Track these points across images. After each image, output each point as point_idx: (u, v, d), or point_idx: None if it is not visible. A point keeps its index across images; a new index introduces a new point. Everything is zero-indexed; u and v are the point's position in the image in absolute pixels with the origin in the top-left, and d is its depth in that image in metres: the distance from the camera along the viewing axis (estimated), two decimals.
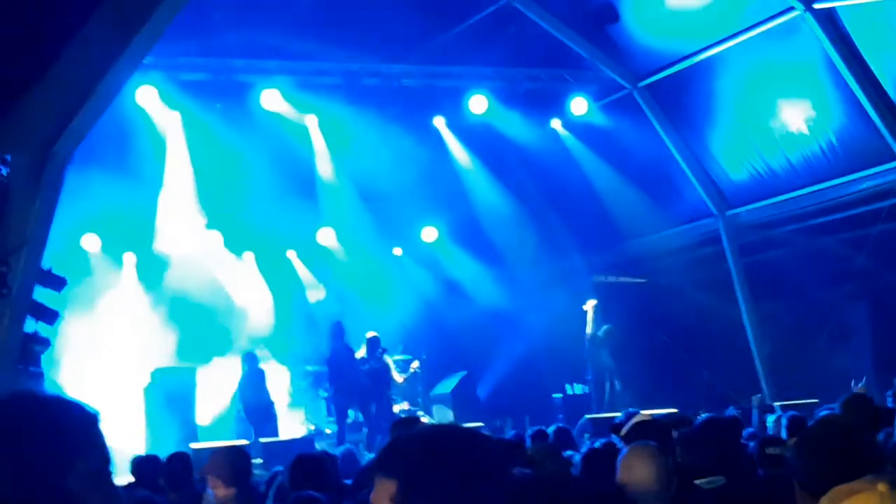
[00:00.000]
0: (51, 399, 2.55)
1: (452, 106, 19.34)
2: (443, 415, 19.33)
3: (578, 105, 19.61)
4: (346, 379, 17.53)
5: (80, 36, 7.92)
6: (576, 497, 1.72)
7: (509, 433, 14.78)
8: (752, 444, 7.92)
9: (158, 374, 18.06)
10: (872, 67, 15.69)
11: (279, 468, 9.30)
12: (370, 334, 18.19)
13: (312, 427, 19.07)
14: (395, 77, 18.56)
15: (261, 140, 18.38)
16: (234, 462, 6.57)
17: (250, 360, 17.92)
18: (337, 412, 17.78)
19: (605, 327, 19.91)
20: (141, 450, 13.92)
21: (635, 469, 5.00)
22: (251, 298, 20.45)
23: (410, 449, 2.42)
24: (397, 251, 21.93)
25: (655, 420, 7.66)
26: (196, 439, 16.59)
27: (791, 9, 15.72)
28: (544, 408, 19.64)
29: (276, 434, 17.26)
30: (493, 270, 21.53)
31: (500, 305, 21.29)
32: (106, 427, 2.55)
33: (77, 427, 2.50)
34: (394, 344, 19.65)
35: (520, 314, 21.20)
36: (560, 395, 20.46)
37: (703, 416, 8.21)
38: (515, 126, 19.96)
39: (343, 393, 17.59)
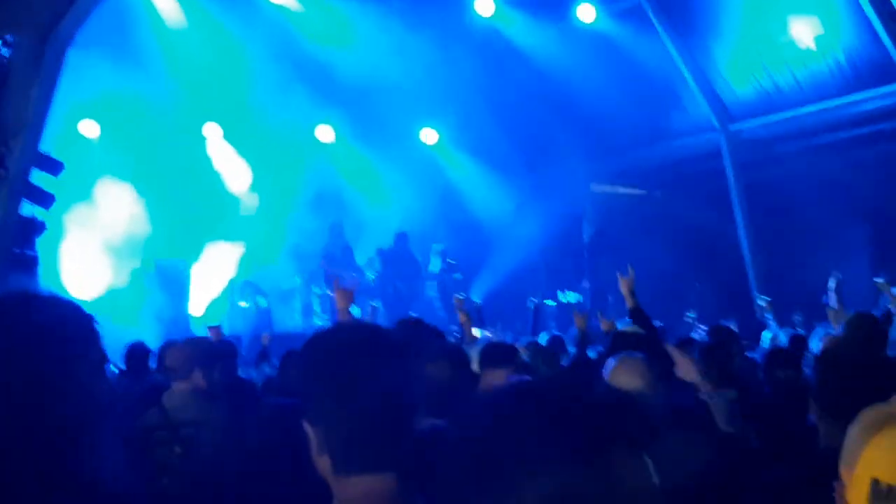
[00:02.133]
0: (52, 298, 2.65)
1: (459, 6, 19.10)
2: None
3: (586, 11, 19.39)
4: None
5: None
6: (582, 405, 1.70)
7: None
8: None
9: (153, 264, 18.15)
10: None
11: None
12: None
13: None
14: None
15: (264, 33, 18.21)
16: (189, 354, 6.51)
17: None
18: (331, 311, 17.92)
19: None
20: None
21: (621, 380, 4.99)
22: (248, 189, 20.43)
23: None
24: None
25: (639, 332, 7.65)
26: (189, 331, 16.69)
27: None
28: (538, 313, 19.71)
29: None
30: (491, 175, 21.45)
31: (497, 210, 21.26)
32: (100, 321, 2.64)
33: (81, 322, 2.60)
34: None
35: (516, 219, 21.19)
36: (553, 303, 20.54)
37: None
38: (521, 30, 19.76)
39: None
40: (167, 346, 7.30)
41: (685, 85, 19.30)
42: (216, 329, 9.85)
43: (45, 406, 2.41)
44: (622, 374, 4.97)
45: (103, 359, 2.63)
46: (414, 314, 17.91)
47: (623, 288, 8.25)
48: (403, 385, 2.47)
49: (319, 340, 2.58)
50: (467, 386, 5.07)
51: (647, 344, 6.57)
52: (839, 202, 17.57)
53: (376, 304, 14.26)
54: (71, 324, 2.55)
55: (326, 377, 2.46)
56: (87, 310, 2.65)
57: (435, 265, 19.82)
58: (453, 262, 18.82)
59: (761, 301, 11.24)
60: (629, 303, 8.19)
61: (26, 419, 2.38)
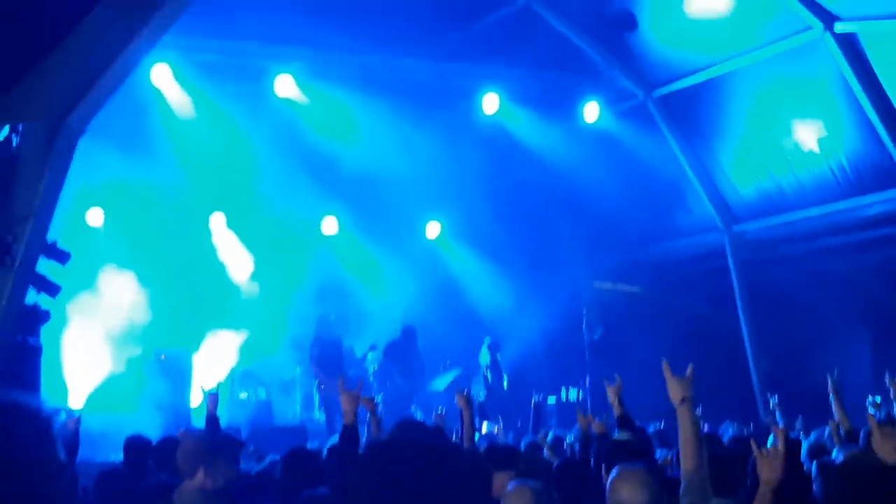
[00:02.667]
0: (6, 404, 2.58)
1: (465, 103, 19.28)
2: None
3: (591, 110, 19.59)
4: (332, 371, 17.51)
5: (100, 8, 7.87)
6: None
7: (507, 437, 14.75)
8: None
9: (154, 353, 18.10)
10: (888, 92, 15.66)
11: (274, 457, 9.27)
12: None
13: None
14: (409, 71, 18.53)
15: (271, 124, 18.39)
16: (198, 448, 6.37)
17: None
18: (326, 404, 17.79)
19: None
20: (132, 428, 13.87)
21: (623, 493, 4.95)
22: (250, 278, 20.41)
23: None
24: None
25: (633, 442, 7.61)
26: (189, 421, 16.60)
27: (810, 28, 15.69)
28: (538, 412, 19.56)
29: None
30: (494, 269, 21.48)
31: (499, 305, 21.24)
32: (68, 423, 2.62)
33: (35, 429, 2.54)
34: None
35: (517, 314, 21.16)
36: (553, 400, 20.40)
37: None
38: (526, 127, 19.94)
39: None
40: (169, 443, 7.07)
41: (689, 184, 19.42)
42: (214, 396, 9.72)
43: None
44: (625, 488, 4.93)
45: (61, 466, 2.58)
46: (417, 411, 17.82)
47: (610, 395, 8.23)
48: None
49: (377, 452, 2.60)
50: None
51: (641, 454, 6.53)
52: (841, 305, 17.56)
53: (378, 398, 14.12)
54: (22, 432, 2.50)
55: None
56: (48, 414, 2.59)
57: (484, 357, 19.70)
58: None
59: (771, 401, 11.17)
60: (616, 410, 8.16)
61: None
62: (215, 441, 6.80)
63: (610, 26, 17.88)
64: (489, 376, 19.62)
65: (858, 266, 17.55)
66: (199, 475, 6.19)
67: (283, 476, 7.10)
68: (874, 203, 17.02)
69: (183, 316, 19.14)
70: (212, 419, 9.02)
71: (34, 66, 7.94)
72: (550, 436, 11.11)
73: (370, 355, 18.95)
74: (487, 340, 19.92)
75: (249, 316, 19.63)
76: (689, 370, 5.63)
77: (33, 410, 2.59)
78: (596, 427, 9.24)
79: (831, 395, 10.06)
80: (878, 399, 10.61)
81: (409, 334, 18.77)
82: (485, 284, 21.49)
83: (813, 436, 9.92)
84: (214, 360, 18.67)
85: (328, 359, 17.64)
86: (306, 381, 19.64)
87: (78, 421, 9.47)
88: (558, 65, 19.19)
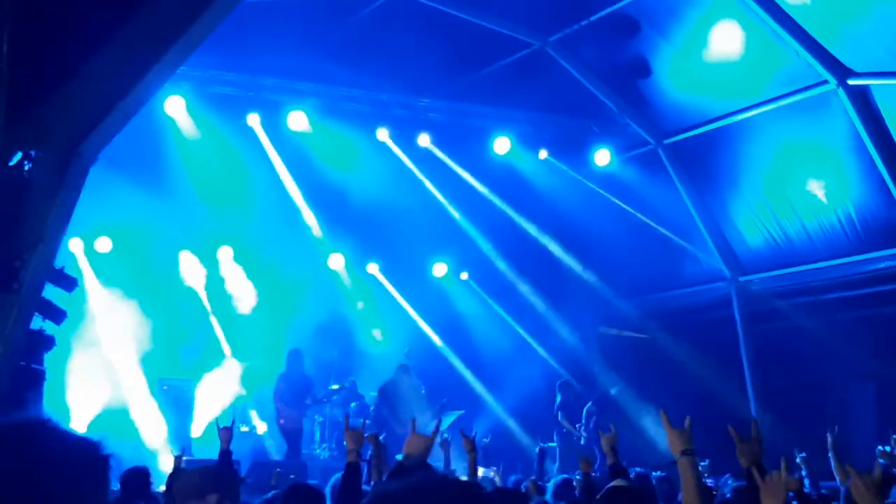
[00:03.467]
0: (65, 432, 2.48)
1: (477, 144, 19.34)
2: None
3: (602, 156, 19.64)
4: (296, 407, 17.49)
5: (117, 38, 7.91)
6: None
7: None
8: None
9: (159, 383, 18.15)
10: None
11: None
12: None
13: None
14: (422, 110, 18.61)
15: (282, 159, 18.48)
16: (201, 483, 6.29)
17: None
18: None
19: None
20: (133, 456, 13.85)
21: None
22: (254, 311, 20.41)
23: None
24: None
25: (632, 487, 7.61)
26: (190, 453, 16.57)
27: (824, 82, 15.73)
28: (539, 455, 19.46)
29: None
30: (498, 310, 21.47)
31: (503, 347, 21.21)
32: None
33: (91, 462, 2.46)
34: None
35: (522, 358, 21.12)
36: (555, 444, 20.32)
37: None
38: (536, 170, 19.99)
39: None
40: (176, 474, 6.93)
41: (698, 233, 19.41)
42: (227, 430, 9.68)
43: None
44: None
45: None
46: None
47: (604, 444, 8.21)
48: None
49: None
50: None
51: (641, 499, 6.52)
52: (846, 359, 17.47)
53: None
54: (81, 463, 2.41)
55: None
56: (101, 448, 2.48)
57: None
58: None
59: (798, 457, 11.11)
60: (610, 459, 8.14)
61: None
62: (219, 474, 6.75)
63: (623, 73, 17.96)
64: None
65: (864, 320, 17.48)
66: None
67: None
68: (882, 258, 17.00)
69: (186, 346, 19.17)
70: (224, 454, 8.98)
71: (49, 95, 7.97)
72: (559, 479, 11.04)
73: (336, 397, 18.72)
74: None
75: (252, 348, 19.60)
76: (686, 422, 5.62)
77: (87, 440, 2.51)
78: (583, 466, 9.22)
79: (830, 452, 10.07)
80: (889, 448, 10.55)
81: (402, 373, 18.50)
82: (490, 325, 21.47)
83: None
84: (216, 392, 18.62)
85: (294, 395, 17.44)
86: (307, 417, 19.61)
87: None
88: (571, 109, 19.27)
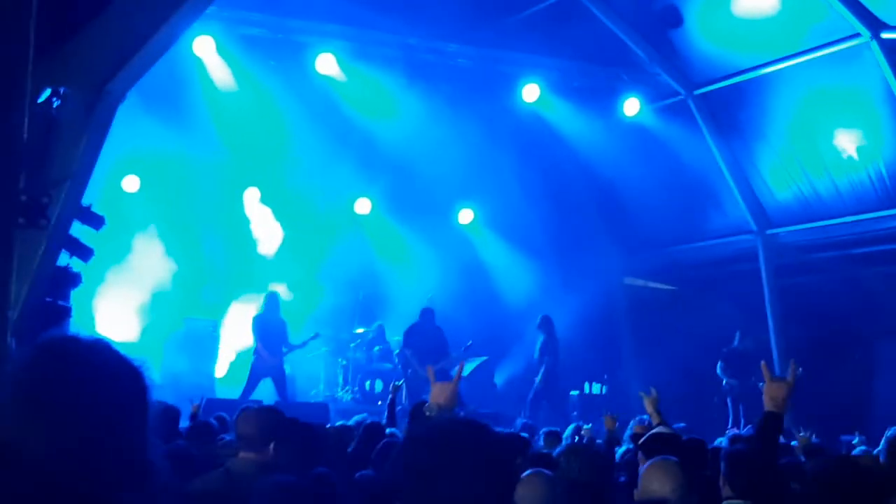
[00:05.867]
0: (104, 345, 2.54)
1: (505, 91, 19.25)
2: None
3: (631, 105, 19.51)
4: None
5: None
6: None
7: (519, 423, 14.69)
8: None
9: (182, 323, 18.29)
10: None
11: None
12: None
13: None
14: (451, 56, 18.51)
15: (310, 102, 18.42)
16: (260, 424, 6.25)
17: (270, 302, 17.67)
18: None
19: None
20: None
21: (654, 484, 5.04)
22: (280, 251, 20.48)
23: None
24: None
25: (674, 434, 7.66)
26: (213, 393, 16.76)
27: (857, 35, 15.55)
28: (561, 403, 19.56)
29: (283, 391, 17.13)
30: (526, 260, 21.47)
31: (528, 295, 21.23)
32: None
33: (132, 374, 2.53)
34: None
35: (547, 306, 21.14)
36: (576, 393, 20.42)
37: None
38: (565, 119, 19.89)
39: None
40: (242, 412, 6.82)
41: (725, 185, 19.31)
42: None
43: (91, 464, 2.33)
44: (655, 478, 5.00)
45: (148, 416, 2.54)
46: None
47: (648, 406, 8.25)
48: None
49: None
50: None
51: (679, 447, 6.56)
52: (872, 315, 17.42)
53: (400, 383, 13.81)
54: (124, 375, 2.48)
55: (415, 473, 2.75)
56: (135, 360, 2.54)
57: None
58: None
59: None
60: (654, 419, 8.18)
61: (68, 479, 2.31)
62: (286, 419, 6.73)
63: (655, 22, 17.80)
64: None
65: (890, 277, 17.40)
66: (269, 450, 6.10)
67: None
68: None
69: (212, 285, 19.32)
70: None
71: (78, 32, 7.97)
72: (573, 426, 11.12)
73: (312, 343, 18.45)
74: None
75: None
76: (791, 372, 5.72)
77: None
78: (607, 423, 9.27)
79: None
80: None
81: (426, 316, 18.41)
82: (515, 274, 21.48)
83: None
84: (239, 332, 18.72)
85: (273, 340, 17.10)
86: (331, 360, 19.73)
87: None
88: (601, 58, 19.12)
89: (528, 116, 19.77)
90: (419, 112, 18.92)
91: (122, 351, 2.51)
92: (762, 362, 6.21)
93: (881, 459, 7.38)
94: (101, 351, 2.48)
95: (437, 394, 5.29)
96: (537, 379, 18.53)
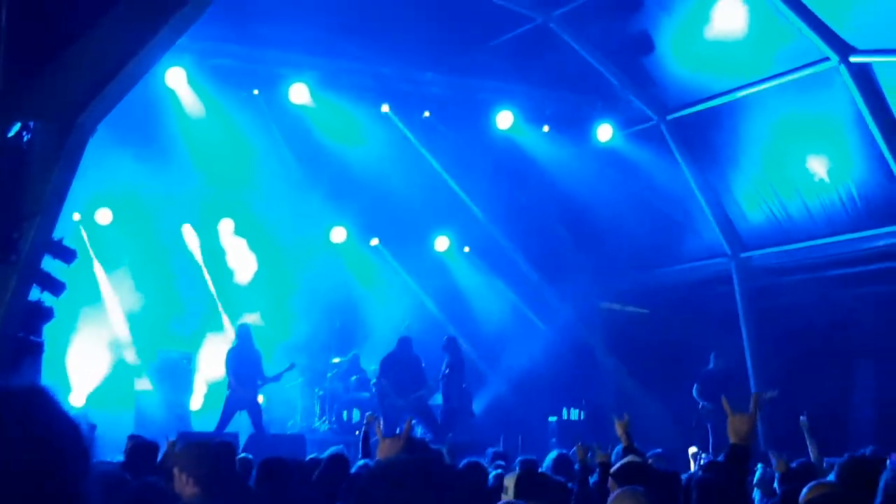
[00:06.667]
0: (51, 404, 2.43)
1: (479, 118, 19.30)
2: None
3: (604, 131, 19.59)
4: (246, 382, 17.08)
5: (117, 8, 7.87)
6: None
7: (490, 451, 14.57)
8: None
9: (156, 356, 18.18)
10: None
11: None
12: None
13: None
14: (425, 84, 18.57)
15: (284, 132, 18.42)
16: (202, 460, 6.19)
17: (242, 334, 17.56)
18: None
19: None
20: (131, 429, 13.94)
21: None
22: (254, 283, 20.41)
23: None
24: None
25: (645, 463, 7.66)
26: (189, 426, 16.65)
27: (826, 59, 15.68)
28: (539, 430, 19.53)
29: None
30: (502, 286, 21.48)
31: (505, 322, 21.24)
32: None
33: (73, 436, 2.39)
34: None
35: (524, 332, 21.15)
36: (555, 419, 20.38)
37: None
38: (539, 145, 19.95)
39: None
40: (174, 444, 6.79)
41: (699, 209, 19.39)
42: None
43: None
44: None
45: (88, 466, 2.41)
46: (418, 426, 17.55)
47: (618, 429, 8.25)
48: None
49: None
50: None
51: (651, 477, 6.54)
52: (846, 337, 17.49)
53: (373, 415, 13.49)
54: (66, 435, 2.34)
55: None
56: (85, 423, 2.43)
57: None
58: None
59: (802, 421, 11.07)
60: (624, 442, 8.19)
61: None
62: (218, 445, 6.72)
63: (627, 48, 17.90)
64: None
65: (864, 297, 17.49)
66: (197, 477, 6.09)
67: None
68: (882, 235, 16.98)
69: (186, 317, 19.23)
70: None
71: (48, 65, 7.94)
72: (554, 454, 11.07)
73: (288, 374, 18.26)
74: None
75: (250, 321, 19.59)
76: (752, 404, 5.77)
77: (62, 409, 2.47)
78: (579, 452, 9.25)
79: (806, 433, 10.20)
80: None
81: (404, 345, 18.29)
82: (491, 301, 21.48)
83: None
84: (215, 364, 18.62)
85: (247, 372, 16.95)
86: (307, 389, 19.65)
87: (94, 429, 9.58)
88: (573, 84, 19.21)
89: (503, 143, 19.81)
90: (393, 140, 18.95)
91: (61, 404, 2.40)
92: (722, 398, 6.24)
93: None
94: (36, 406, 2.36)
95: (385, 450, 5.28)
96: (440, 400, 18.42)
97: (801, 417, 10.68)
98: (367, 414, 12.04)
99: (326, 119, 18.51)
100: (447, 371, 18.35)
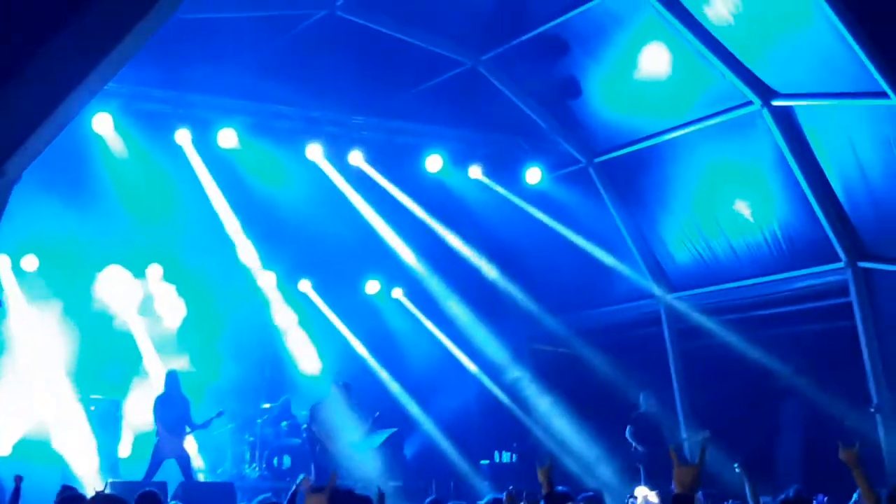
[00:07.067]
0: None
1: (410, 161, 19.34)
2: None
3: (533, 174, 19.74)
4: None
5: (42, 55, 7.80)
6: None
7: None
8: None
9: (84, 403, 17.91)
10: (823, 168, 15.92)
11: None
12: None
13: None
14: (355, 128, 18.60)
15: (214, 176, 18.32)
16: None
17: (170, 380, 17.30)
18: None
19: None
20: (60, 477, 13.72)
21: None
22: (183, 328, 20.19)
23: None
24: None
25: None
26: (118, 474, 16.40)
27: (749, 103, 15.96)
28: (472, 474, 19.48)
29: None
30: (433, 328, 21.47)
31: (436, 364, 21.20)
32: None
33: None
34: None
35: (455, 374, 21.14)
36: (487, 462, 20.34)
37: None
38: (469, 188, 20.03)
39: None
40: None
41: (627, 251, 19.56)
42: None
43: None
44: None
45: None
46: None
47: (540, 476, 8.23)
48: None
49: None
50: None
51: None
52: (773, 376, 17.67)
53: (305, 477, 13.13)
54: None
55: None
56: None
57: None
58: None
59: (736, 468, 11.17)
60: (545, 488, 8.17)
61: None
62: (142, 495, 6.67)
63: (554, 92, 18.08)
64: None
65: (789, 338, 17.72)
66: None
67: None
68: (806, 276, 17.25)
69: (113, 365, 18.97)
70: None
71: None
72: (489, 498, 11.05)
73: (217, 420, 18.04)
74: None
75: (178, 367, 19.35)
76: (700, 455, 5.82)
77: None
78: (506, 500, 9.22)
79: (744, 477, 10.31)
80: None
81: (344, 391, 18.12)
82: (422, 343, 21.44)
83: None
84: (143, 410, 18.37)
85: (174, 420, 16.71)
86: (237, 435, 19.42)
87: (21, 480, 9.46)
88: (503, 127, 19.38)
89: (433, 186, 19.85)
90: (324, 183, 18.92)
91: None
92: (670, 448, 6.29)
93: None
94: None
95: None
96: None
97: (735, 464, 10.77)
98: (303, 477, 11.82)
99: (256, 163, 18.43)
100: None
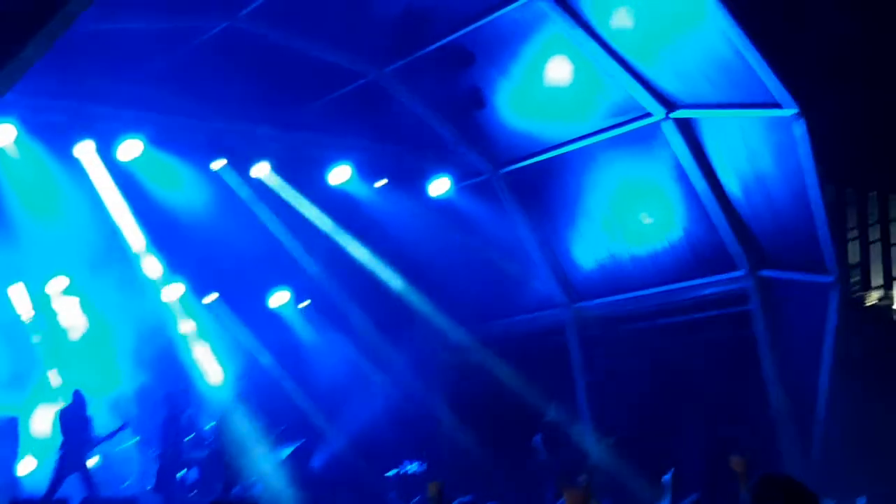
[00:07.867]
0: None
1: (315, 172, 19.26)
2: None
3: (439, 185, 19.78)
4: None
5: None
6: None
7: None
8: None
9: None
10: (722, 178, 16.21)
11: None
12: None
13: None
14: (260, 139, 18.47)
15: (118, 187, 18.07)
16: None
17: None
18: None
19: None
20: None
21: None
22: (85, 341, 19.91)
23: None
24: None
25: None
26: (18, 490, 16.11)
27: (650, 114, 16.19)
28: (378, 484, 19.45)
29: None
30: (340, 340, 21.41)
31: (344, 376, 21.15)
32: None
33: None
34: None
35: (363, 385, 21.10)
36: (394, 472, 20.32)
37: None
38: (375, 200, 20.02)
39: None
40: None
41: (533, 261, 19.69)
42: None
43: None
44: None
45: None
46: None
47: (431, 489, 8.23)
48: None
49: None
50: None
51: None
52: (676, 383, 17.91)
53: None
54: None
55: None
56: None
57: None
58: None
59: (666, 479, 11.26)
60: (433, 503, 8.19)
61: None
62: None
63: (458, 103, 18.13)
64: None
65: (693, 345, 17.98)
66: None
67: None
68: (709, 284, 17.54)
69: (15, 379, 18.64)
70: None
71: None
72: None
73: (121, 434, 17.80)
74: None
75: (83, 382, 19.07)
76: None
77: None
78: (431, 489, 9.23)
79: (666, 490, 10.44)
80: None
81: (239, 403, 17.96)
82: (329, 355, 21.38)
83: None
84: (43, 427, 18.08)
85: (75, 430, 16.54)
86: (143, 452, 19.18)
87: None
88: (408, 139, 19.36)
89: (339, 197, 19.80)
90: (229, 195, 18.77)
91: None
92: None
93: None
94: None
95: None
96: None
97: (665, 477, 10.89)
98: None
99: (160, 175, 18.18)
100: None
